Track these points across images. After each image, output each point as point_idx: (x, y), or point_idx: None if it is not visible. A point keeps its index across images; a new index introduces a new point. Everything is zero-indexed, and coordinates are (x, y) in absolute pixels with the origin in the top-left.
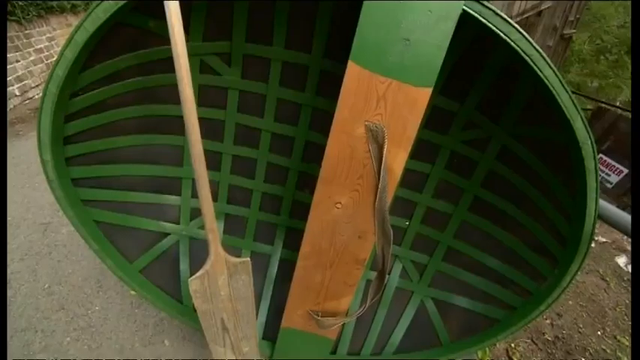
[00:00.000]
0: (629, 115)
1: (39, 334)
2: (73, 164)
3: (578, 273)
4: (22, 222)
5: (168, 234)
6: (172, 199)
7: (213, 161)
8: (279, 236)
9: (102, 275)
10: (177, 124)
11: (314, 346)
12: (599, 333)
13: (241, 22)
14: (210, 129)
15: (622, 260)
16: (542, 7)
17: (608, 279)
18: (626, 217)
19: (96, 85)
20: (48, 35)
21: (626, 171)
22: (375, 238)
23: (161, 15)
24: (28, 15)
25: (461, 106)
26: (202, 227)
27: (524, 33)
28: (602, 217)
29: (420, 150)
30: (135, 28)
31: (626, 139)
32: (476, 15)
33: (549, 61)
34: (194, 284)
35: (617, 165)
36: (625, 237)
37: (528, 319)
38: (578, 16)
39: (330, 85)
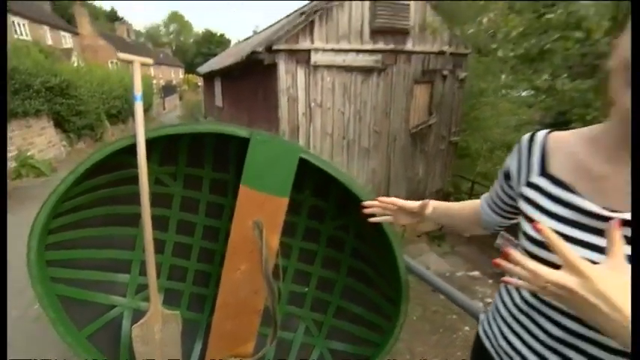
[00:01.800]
0: None
1: None
2: (48, 249)
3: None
4: None
5: (115, 306)
6: (122, 277)
7: (159, 246)
8: (207, 305)
9: None
10: (133, 219)
11: None
12: None
13: (183, 156)
14: (159, 223)
15: None
16: (430, 122)
17: None
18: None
19: (78, 195)
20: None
21: None
22: (266, 294)
23: (133, 153)
24: None
25: (327, 204)
26: (145, 300)
27: (332, 164)
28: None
29: (309, 234)
30: (114, 161)
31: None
32: (307, 158)
33: (353, 180)
34: (136, 330)
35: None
36: None
37: (386, 351)
38: (458, 128)
39: None
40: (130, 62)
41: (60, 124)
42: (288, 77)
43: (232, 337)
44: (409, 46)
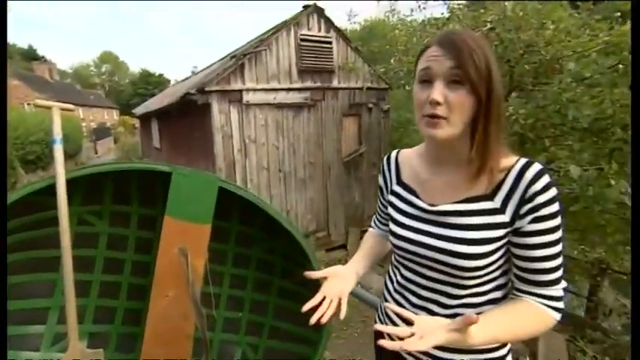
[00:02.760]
0: None
1: None
2: None
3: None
4: None
5: None
6: (37, 329)
7: (83, 289)
8: (138, 344)
9: None
10: (52, 263)
11: None
12: None
13: (108, 194)
14: (83, 264)
15: None
16: (361, 151)
17: None
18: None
19: None
20: None
21: None
22: (195, 316)
23: (52, 194)
24: None
25: (252, 230)
26: (63, 350)
27: (250, 192)
28: None
29: (239, 260)
30: (31, 202)
31: None
32: (226, 187)
33: (273, 207)
34: None
35: None
36: None
37: None
38: (386, 154)
39: None
40: (49, 108)
41: None
42: (222, 116)
43: None
44: (335, 83)
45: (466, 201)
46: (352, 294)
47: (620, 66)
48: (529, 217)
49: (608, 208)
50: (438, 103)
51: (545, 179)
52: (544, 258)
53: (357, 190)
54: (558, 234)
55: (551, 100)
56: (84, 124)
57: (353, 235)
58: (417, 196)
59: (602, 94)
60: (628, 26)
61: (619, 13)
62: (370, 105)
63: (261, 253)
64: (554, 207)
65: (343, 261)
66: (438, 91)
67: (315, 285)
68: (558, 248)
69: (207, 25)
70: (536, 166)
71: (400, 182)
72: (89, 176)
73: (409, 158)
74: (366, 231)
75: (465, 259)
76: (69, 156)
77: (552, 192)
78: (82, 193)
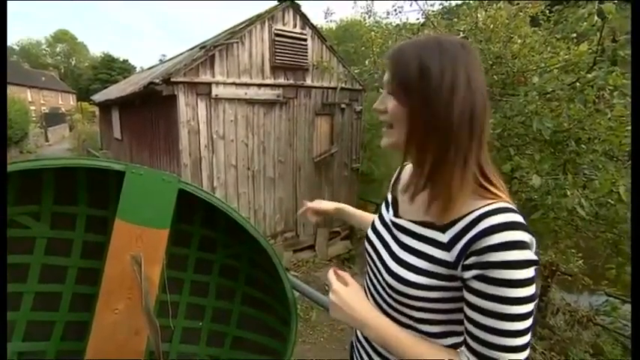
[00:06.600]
0: None
1: None
2: None
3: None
4: None
5: None
6: None
7: (11, 301)
8: None
9: None
10: None
11: None
12: None
13: (49, 192)
14: (12, 272)
15: None
16: (332, 151)
17: None
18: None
19: None
20: None
21: None
22: (148, 330)
23: None
24: None
25: (216, 234)
26: None
27: (213, 195)
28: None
29: (202, 266)
30: None
31: None
32: (186, 189)
33: (232, 206)
34: None
35: None
36: None
37: None
38: (357, 156)
39: None
40: None
41: None
42: (189, 109)
43: None
44: (309, 81)
45: (422, 224)
46: (296, 289)
47: (578, 84)
48: (475, 272)
49: (561, 215)
50: (380, 112)
51: (508, 235)
52: (494, 331)
53: (328, 190)
54: (519, 308)
55: (517, 111)
56: (33, 107)
57: (321, 236)
58: (396, 206)
59: (560, 108)
60: (583, 47)
61: (575, 34)
62: (343, 105)
63: (225, 259)
64: (514, 274)
65: (311, 262)
66: (378, 101)
67: (282, 293)
68: (518, 326)
69: (179, 15)
70: (503, 217)
71: (393, 190)
72: (23, 172)
73: (407, 171)
74: (335, 232)
75: (397, 280)
76: (13, 142)
77: (514, 254)
78: (14, 191)
